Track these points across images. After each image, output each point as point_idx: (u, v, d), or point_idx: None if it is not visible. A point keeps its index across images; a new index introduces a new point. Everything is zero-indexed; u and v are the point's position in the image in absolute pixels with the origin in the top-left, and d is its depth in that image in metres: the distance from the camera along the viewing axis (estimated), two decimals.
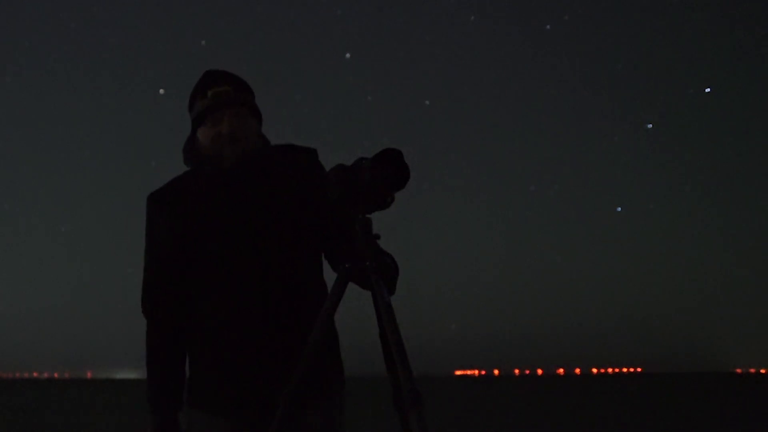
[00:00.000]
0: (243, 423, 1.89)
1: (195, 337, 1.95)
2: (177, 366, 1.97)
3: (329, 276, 2.00)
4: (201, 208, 1.92)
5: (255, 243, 1.89)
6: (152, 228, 1.98)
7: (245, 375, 1.88)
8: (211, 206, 1.91)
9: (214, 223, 1.90)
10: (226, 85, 1.89)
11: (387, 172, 1.71)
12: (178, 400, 1.96)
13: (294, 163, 1.98)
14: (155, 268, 1.97)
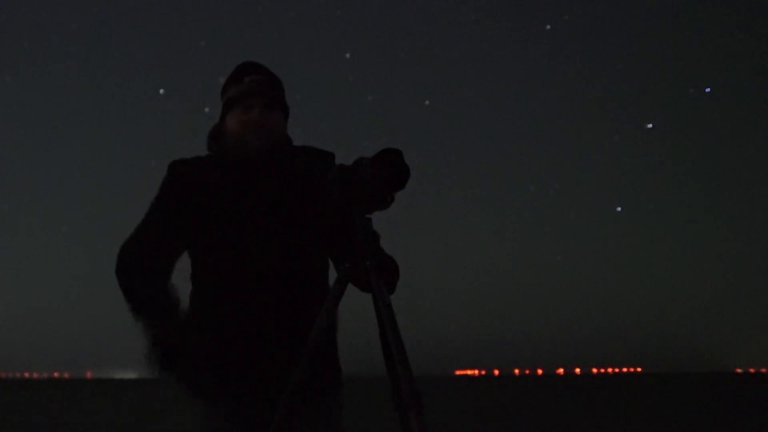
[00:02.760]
0: (241, 414, 1.91)
1: (199, 326, 1.94)
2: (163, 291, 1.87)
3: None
4: (217, 195, 1.93)
5: (265, 237, 1.91)
6: (166, 191, 1.97)
7: (247, 368, 1.89)
8: (227, 196, 1.93)
9: (227, 213, 1.92)
10: (261, 75, 1.98)
11: (387, 172, 1.71)
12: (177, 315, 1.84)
13: (312, 165, 2.00)
14: (154, 229, 1.94)
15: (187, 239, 1.95)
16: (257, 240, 1.91)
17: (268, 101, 1.96)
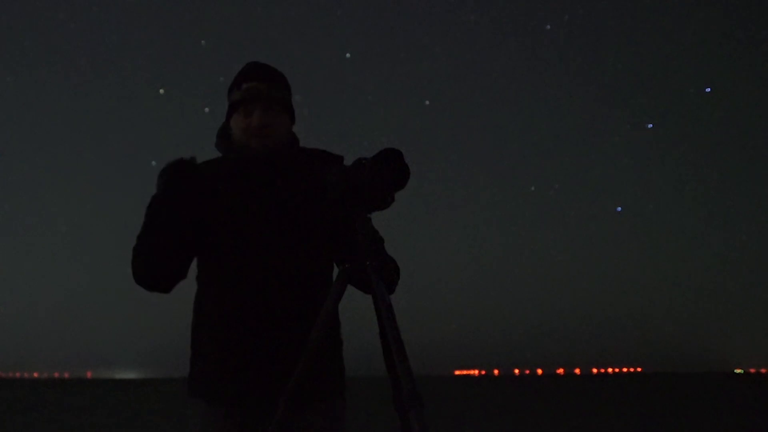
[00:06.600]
0: (241, 415, 1.92)
1: (199, 325, 1.97)
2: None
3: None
4: (220, 197, 1.94)
5: (270, 237, 1.92)
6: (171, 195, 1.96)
7: (247, 368, 1.90)
8: (230, 198, 1.94)
9: (232, 213, 1.93)
10: (260, 81, 1.97)
11: (387, 172, 1.71)
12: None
13: (314, 166, 2.00)
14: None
15: (194, 242, 1.96)
16: (260, 241, 1.92)
17: (268, 106, 1.96)
